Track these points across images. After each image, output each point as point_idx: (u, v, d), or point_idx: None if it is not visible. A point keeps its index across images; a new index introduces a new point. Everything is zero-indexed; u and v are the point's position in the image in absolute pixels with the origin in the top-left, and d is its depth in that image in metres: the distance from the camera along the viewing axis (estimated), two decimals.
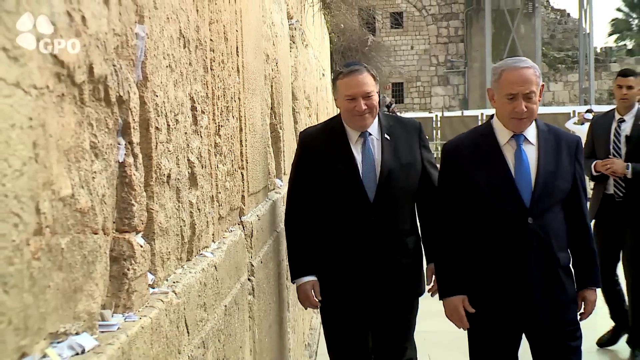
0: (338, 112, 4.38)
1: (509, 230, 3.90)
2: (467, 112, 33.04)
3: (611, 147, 6.53)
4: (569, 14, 42.20)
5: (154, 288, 2.57)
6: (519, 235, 3.87)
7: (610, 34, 58.73)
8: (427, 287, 4.74)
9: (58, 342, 1.84)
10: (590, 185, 7.44)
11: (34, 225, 1.65)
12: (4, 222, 1.51)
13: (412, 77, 42.75)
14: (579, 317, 4.13)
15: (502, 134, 3.98)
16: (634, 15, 59.92)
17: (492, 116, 4.00)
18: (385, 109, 23.85)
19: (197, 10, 3.29)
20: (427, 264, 4.68)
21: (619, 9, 61.49)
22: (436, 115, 34.71)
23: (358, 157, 4.34)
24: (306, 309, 5.51)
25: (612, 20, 60.92)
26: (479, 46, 39.80)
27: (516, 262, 3.93)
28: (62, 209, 1.82)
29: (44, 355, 1.75)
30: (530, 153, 3.95)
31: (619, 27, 61.03)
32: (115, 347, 2.05)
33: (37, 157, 1.65)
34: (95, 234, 2.06)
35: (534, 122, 4.06)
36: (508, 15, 39.73)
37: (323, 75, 15.42)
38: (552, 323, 4.02)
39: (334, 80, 4.54)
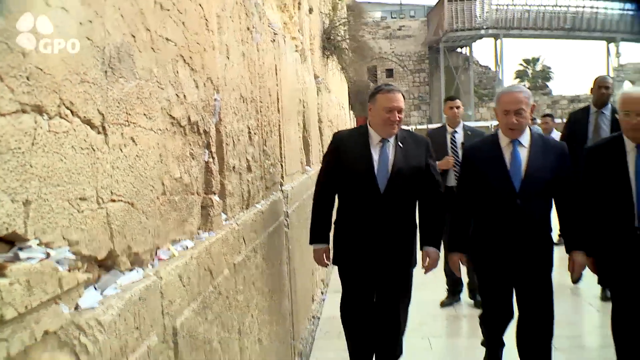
0: (365, 122, 3.94)
1: (503, 208, 3.58)
2: (430, 125, 32.64)
3: (449, 150, 5.95)
4: (489, 68, 41.33)
5: (226, 221, 2.79)
6: (510, 211, 3.54)
7: (514, 79, 57.53)
8: (423, 266, 4.01)
9: (175, 244, 2.14)
10: None
11: (161, 190, 1.96)
12: (146, 189, 1.81)
13: None
14: (571, 279, 3.90)
15: (503, 140, 3.64)
16: (529, 68, 58.98)
17: (498, 126, 3.64)
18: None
19: (252, 83, 3.47)
20: (421, 248, 4.02)
21: (520, 64, 60.75)
22: (413, 127, 34.47)
23: (375, 156, 3.76)
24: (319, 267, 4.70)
25: (517, 70, 59.87)
26: (437, 88, 39.30)
27: (508, 230, 3.59)
28: (175, 183, 2.10)
29: (168, 249, 2.05)
30: (523, 154, 3.59)
31: (520, 74, 59.84)
32: (203, 247, 2.32)
33: (162, 160, 2.00)
34: (193, 194, 2.36)
35: (528, 131, 3.69)
36: (454, 69, 39.20)
37: (342, 107, 14.71)
38: (532, 271, 3.65)
39: (374, 94, 3.86)
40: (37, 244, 1.19)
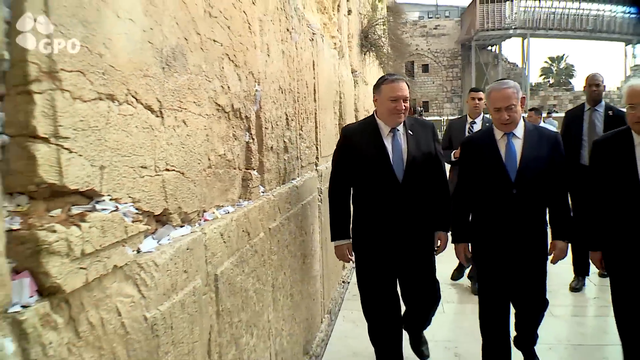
0: (372, 113, 3.61)
1: (500, 198, 3.34)
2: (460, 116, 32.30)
3: None
4: (517, 65, 40.65)
5: (263, 193, 2.94)
6: (506, 201, 3.31)
7: (540, 75, 56.22)
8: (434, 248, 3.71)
9: (218, 209, 2.31)
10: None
11: (207, 164, 2.12)
12: (194, 162, 1.98)
13: (433, 98, 41.81)
14: (549, 260, 3.49)
15: (498, 132, 3.38)
16: (554, 65, 57.42)
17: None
18: (417, 115, 21.48)
19: (290, 76, 3.61)
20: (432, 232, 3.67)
21: (545, 62, 59.24)
22: (444, 118, 34.14)
23: (389, 147, 3.40)
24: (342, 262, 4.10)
25: (542, 67, 58.38)
26: (468, 82, 38.78)
27: (505, 220, 3.34)
28: (220, 159, 2.28)
29: (212, 212, 2.22)
30: (518, 145, 3.34)
31: (545, 72, 58.50)
32: (242, 212, 2.50)
33: (208, 139, 2.16)
34: (235, 169, 2.51)
35: (522, 123, 3.42)
36: (484, 66, 38.75)
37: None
38: (528, 255, 3.39)
39: (378, 85, 3.49)
40: (109, 199, 1.40)
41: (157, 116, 1.68)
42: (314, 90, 4.52)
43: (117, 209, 1.43)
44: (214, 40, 2.19)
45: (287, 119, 3.49)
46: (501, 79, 3.56)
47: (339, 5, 6.78)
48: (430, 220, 3.59)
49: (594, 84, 5.83)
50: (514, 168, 3.31)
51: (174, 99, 1.80)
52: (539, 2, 39.13)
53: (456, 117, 6.74)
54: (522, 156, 3.31)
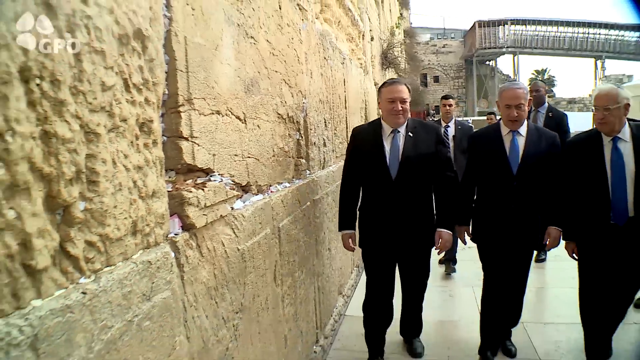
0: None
1: (502, 189, 3.08)
2: (465, 118, 32.09)
3: None
4: (509, 76, 40.01)
5: (309, 175, 3.25)
6: (508, 192, 3.06)
7: (528, 84, 54.88)
8: (435, 247, 3.26)
9: (279, 184, 2.65)
10: None
11: (272, 153, 2.46)
12: (265, 152, 2.34)
13: None
14: (547, 247, 3.21)
15: (504, 129, 3.10)
16: (539, 76, 56.09)
17: (500, 118, 2.93)
18: (430, 118, 20.34)
19: (327, 91, 3.87)
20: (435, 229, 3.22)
21: (532, 73, 58.07)
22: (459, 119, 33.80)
23: (387, 146, 3.05)
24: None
25: (529, 78, 57.01)
26: (471, 90, 38.55)
27: (506, 208, 3.07)
28: (280, 150, 2.60)
29: (276, 186, 2.57)
30: (521, 142, 3.06)
31: (532, 82, 57.09)
32: (295, 187, 2.85)
33: (273, 137, 2.50)
34: (290, 157, 2.83)
35: (525, 123, 3.13)
36: (483, 77, 38.65)
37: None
38: (524, 241, 3.14)
39: (380, 89, 3.18)
40: (218, 174, 1.81)
41: (243, 122, 2.08)
42: (345, 100, 4.78)
43: (222, 181, 1.84)
44: (276, 71, 2.56)
45: (325, 122, 3.78)
46: (513, 80, 3.59)
47: (363, 35, 7.06)
48: (429, 217, 3.20)
49: (534, 90, 5.62)
50: (516, 162, 3.07)
51: (252, 111, 2.19)
52: (526, 27, 39.30)
53: (433, 120, 6.09)
54: (524, 152, 3.07)
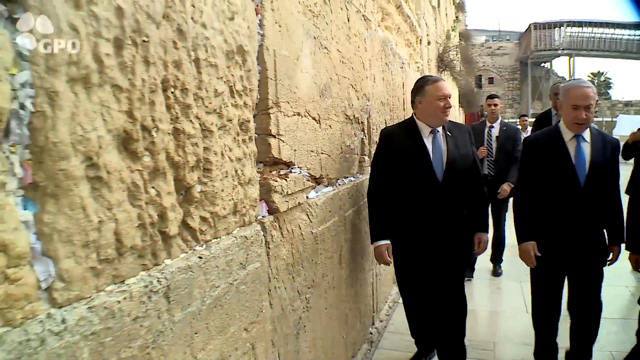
0: (410, 116, 2.91)
1: (567, 201, 2.63)
2: (511, 120, 31.45)
3: (485, 142, 4.90)
4: (565, 78, 38.29)
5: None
6: (574, 205, 2.62)
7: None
8: (475, 250, 2.98)
9: (346, 178, 2.82)
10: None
11: (340, 150, 2.63)
12: (335, 149, 2.51)
13: None
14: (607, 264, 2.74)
15: (567, 134, 2.64)
16: (595, 79, 53.35)
17: (559, 120, 2.47)
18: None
19: (387, 94, 3.99)
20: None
21: (588, 76, 55.24)
22: (507, 121, 33.02)
23: (429, 146, 2.72)
24: (380, 264, 2.99)
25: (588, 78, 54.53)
26: (525, 92, 37.32)
27: (571, 220, 2.63)
28: (347, 148, 2.78)
29: (343, 179, 2.72)
30: (586, 149, 2.61)
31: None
32: (358, 181, 3.00)
33: (341, 135, 2.70)
34: (355, 154, 2.99)
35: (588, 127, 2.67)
36: (538, 79, 37.21)
37: (454, 106, 14.15)
38: (587, 263, 2.69)
39: (421, 87, 2.78)
40: (298, 167, 2.02)
41: (317, 123, 2.27)
42: (403, 102, 4.88)
43: (300, 173, 2.04)
44: (344, 77, 2.73)
45: (385, 123, 3.89)
46: (578, 79, 2.91)
47: (420, 40, 7.12)
48: (468, 221, 2.88)
49: (559, 93, 5.01)
50: (584, 172, 2.61)
51: (325, 113, 2.38)
52: (582, 29, 37.50)
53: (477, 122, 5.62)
54: (591, 161, 2.63)
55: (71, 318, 0.91)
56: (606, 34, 37.64)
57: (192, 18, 1.25)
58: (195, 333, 1.27)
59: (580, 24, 38.02)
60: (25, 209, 0.87)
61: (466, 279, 4.51)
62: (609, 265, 2.78)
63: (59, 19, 0.88)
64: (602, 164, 2.63)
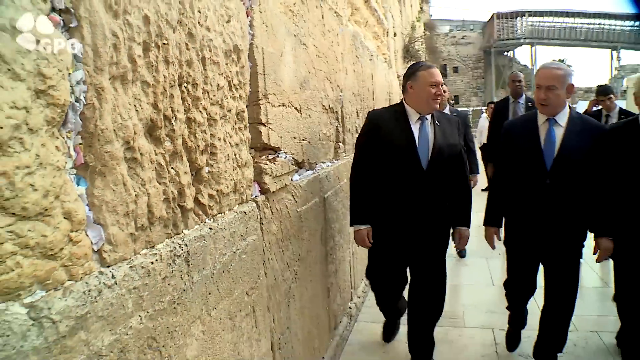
0: (400, 101, 2.81)
1: (533, 186, 2.59)
2: (483, 107, 32.13)
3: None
4: (527, 66, 39.52)
5: (345, 156, 3.57)
6: (539, 190, 2.57)
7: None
8: (455, 244, 3.04)
9: (324, 162, 3.00)
10: None
11: (318, 138, 2.82)
12: (314, 136, 2.70)
13: (462, 93, 41.37)
14: (595, 259, 2.67)
15: (541, 118, 2.58)
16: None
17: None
18: (450, 105, 19.97)
19: (358, 85, 4.19)
20: (453, 228, 2.90)
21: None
22: (471, 109, 33.79)
23: (416, 133, 2.65)
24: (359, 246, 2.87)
25: None
26: (489, 80, 38.36)
27: (536, 209, 2.58)
28: (324, 135, 2.96)
29: (321, 164, 2.92)
30: (559, 133, 2.52)
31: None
32: (335, 166, 3.21)
33: (319, 124, 2.87)
34: (331, 141, 3.18)
35: (567, 111, 2.57)
36: (501, 67, 38.40)
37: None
38: (559, 252, 2.62)
39: (413, 72, 2.70)
40: (284, 152, 2.23)
41: (299, 112, 2.49)
42: (372, 92, 5.12)
43: (286, 157, 2.26)
44: (320, 70, 2.94)
45: (357, 112, 4.14)
46: (556, 61, 2.87)
47: (387, 32, 7.37)
48: (449, 212, 2.83)
49: (516, 80, 5.43)
50: (551, 156, 2.54)
51: (305, 104, 2.59)
52: (543, 18, 38.89)
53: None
54: (562, 145, 2.53)
55: (118, 275, 1.12)
56: (566, 23, 38.99)
57: (199, 22, 1.45)
58: (209, 293, 1.49)
59: (541, 13, 39.22)
60: (78, 185, 1.07)
61: None
62: (598, 261, 2.70)
63: (104, 27, 1.08)
64: (577, 149, 2.51)
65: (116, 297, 1.10)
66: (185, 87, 1.39)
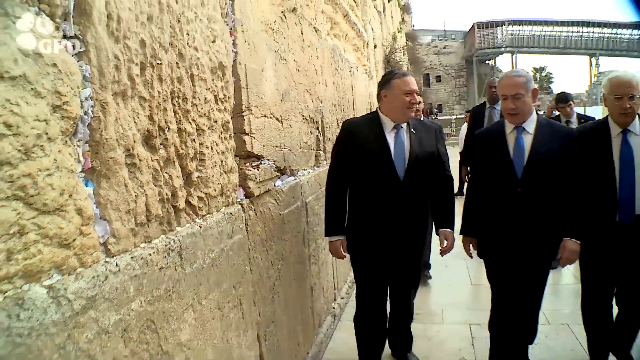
0: (375, 109, 2.79)
1: (505, 195, 2.58)
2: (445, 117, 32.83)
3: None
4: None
5: (325, 163, 3.66)
6: (511, 199, 2.55)
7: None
8: (441, 247, 2.81)
9: (305, 169, 3.19)
10: None
11: (299, 146, 3.02)
12: (295, 145, 2.90)
13: (445, 101, 42.06)
14: (560, 263, 2.58)
15: (509, 127, 2.56)
16: (538, 74, 56.10)
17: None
18: (433, 116, 20.33)
19: (338, 96, 4.41)
20: (437, 232, 2.83)
21: (530, 71, 57.74)
22: (454, 117, 34.33)
23: (391, 142, 2.62)
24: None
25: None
26: (472, 89, 39.07)
27: (509, 218, 2.55)
28: (305, 144, 3.15)
29: (303, 171, 3.12)
30: (527, 140, 2.51)
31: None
32: (316, 172, 3.37)
33: (300, 133, 3.09)
34: (312, 150, 3.37)
35: (535, 117, 2.56)
36: (483, 75, 39.02)
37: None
38: (536, 257, 2.59)
39: (388, 80, 2.67)
40: (266, 159, 2.42)
41: (280, 123, 2.68)
42: (352, 103, 5.33)
43: (269, 164, 2.45)
44: (300, 83, 3.15)
45: (337, 121, 4.30)
46: (516, 69, 2.62)
47: (367, 44, 7.62)
48: (426, 224, 2.87)
49: (493, 86, 5.32)
50: (521, 164, 2.52)
51: (286, 114, 2.79)
52: (522, 27, 39.95)
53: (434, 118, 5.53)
54: (531, 152, 2.51)
55: (121, 264, 1.29)
56: (545, 31, 40.04)
57: (187, 44, 1.64)
58: (200, 284, 1.67)
59: (520, 22, 40.24)
60: (86, 186, 1.25)
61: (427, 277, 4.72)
62: (562, 265, 2.65)
63: (107, 51, 1.27)
64: (546, 155, 2.49)
65: (120, 283, 1.27)
66: (176, 101, 1.58)
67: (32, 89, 1.03)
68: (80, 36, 1.20)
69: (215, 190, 1.84)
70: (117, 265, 1.28)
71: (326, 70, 3.98)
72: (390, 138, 2.68)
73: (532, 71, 59.30)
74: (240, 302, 1.99)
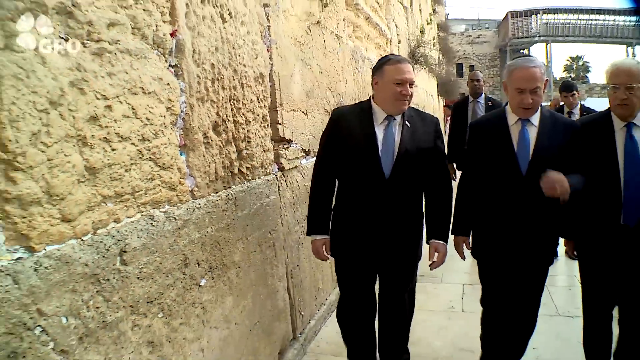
0: (368, 97, 2.56)
1: (508, 191, 2.37)
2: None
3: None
4: (543, 63, 39.87)
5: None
6: (515, 195, 2.34)
7: (563, 71, 53.36)
8: (429, 262, 2.49)
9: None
10: None
11: (315, 135, 3.95)
12: (317, 132, 3.78)
13: None
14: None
15: (511, 117, 2.37)
16: (574, 63, 54.94)
17: (506, 103, 2.30)
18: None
19: (358, 91, 5.14)
20: (428, 241, 2.51)
21: (567, 60, 56.72)
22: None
23: (380, 136, 2.38)
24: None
25: (565, 65, 55.85)
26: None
27: (513, 214, 2.37)
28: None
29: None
30: (532, 133, 2.33)
31: (567, 68, 56.01)
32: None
33: (322, 123, 3.93)
34: None
35: (539, 109, 2.35)
36: None
37: (431, 95, 14.07)
38: (537, 258, 2.44)
39: (380, 66, 2.41)
40: (295, 143, 3.19)
41: (305, 115, 3.44)
42: None
43: (296, 147, 3.22)
44: (323, 82, 3.87)
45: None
46: (526, 56, 2.43)
47: (390, 41, 8.24)
48: (419, 225, 2.54)
49: (475, 80, 5.35)
50: (526, 160, 2.34)
51: (310, 108, 3.53)
52: (557, 15, 39.13)
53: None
54: (536, 146, 2.33)
55: (201, 203, 2.09)
56: (581, 19, 39.19)
57: (239, 62, 2.43)
58: (247, 225, 2.47)
59: (555, 10, 39.52)
60: (181, 155, 2.05)
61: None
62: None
63: (193, 73, 2.06)
64: (551, 149, 2.33)
65: (201, 215, 2.08)
66: (232, 102, 2.37)
67: (157, 98, 1.83)
68: (177, 64, 1.99)
69: (257, 163, 2.63)
70: (199, 204, 2.08)
71: (347, 70, 4.68)
72: (379, 130, 2.42)
73: (568, 60, 58.32)
74: (273, 244, 2.79)
